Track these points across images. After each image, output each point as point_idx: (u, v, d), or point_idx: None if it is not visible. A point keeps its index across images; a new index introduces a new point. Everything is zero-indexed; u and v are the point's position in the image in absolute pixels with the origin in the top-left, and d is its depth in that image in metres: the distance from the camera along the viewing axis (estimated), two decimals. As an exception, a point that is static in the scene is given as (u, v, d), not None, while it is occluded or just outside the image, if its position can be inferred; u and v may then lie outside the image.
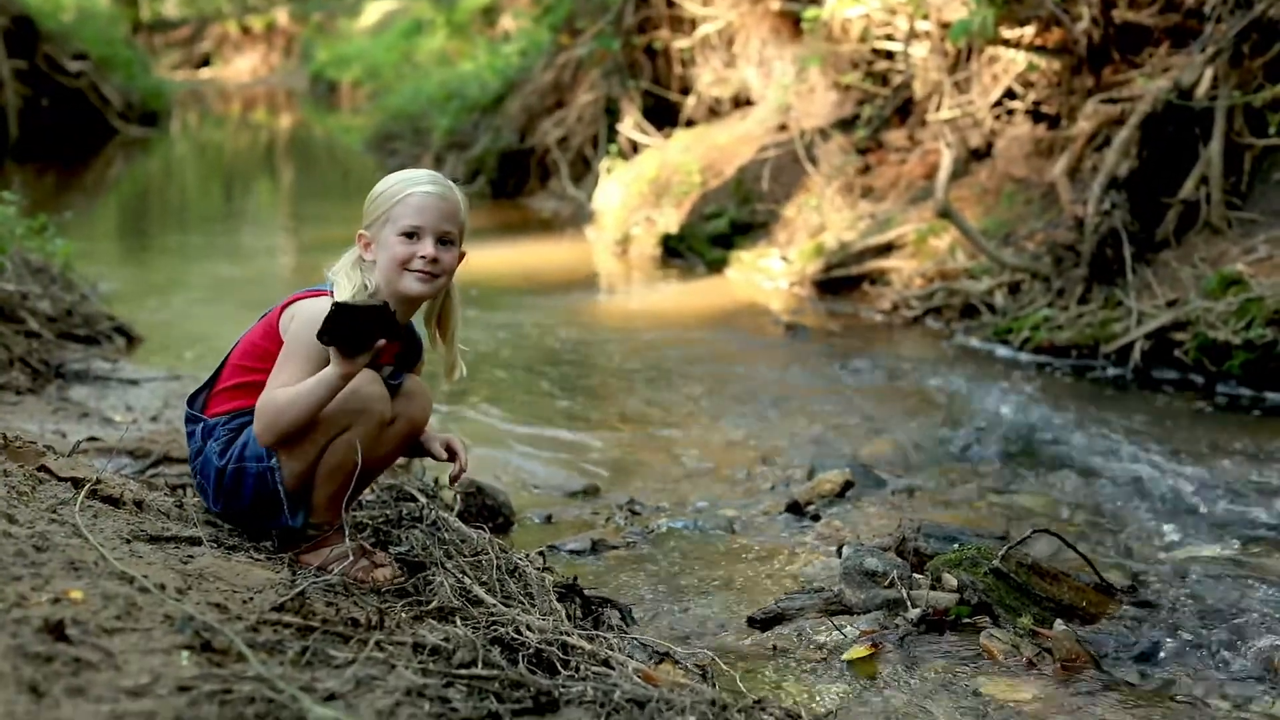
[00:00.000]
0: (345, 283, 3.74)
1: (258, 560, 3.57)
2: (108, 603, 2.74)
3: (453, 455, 3.97)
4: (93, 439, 5.47)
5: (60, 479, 3.72)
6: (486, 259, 12.19)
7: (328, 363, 3.60)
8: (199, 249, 13.86)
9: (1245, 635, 4.06)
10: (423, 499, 4.53)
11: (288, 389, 3.59)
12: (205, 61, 51.96)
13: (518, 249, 12.87)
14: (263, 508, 3.72)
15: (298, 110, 36.16)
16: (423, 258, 3.75)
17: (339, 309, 3.46)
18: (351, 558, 3.68)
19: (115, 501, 3.69)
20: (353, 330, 3.49)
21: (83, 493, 3.58)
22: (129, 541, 3.37)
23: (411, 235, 3.74)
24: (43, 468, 3.77)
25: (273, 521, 3.75)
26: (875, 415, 7.24)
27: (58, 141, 22.53)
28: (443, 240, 3.78)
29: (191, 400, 3.87)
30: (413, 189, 3.77)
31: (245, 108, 36.99)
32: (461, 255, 3.85)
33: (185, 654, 2.59)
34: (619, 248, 12.60)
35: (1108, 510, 5.63)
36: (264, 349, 3.75)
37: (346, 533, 3.75)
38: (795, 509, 5.47)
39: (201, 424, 3.80)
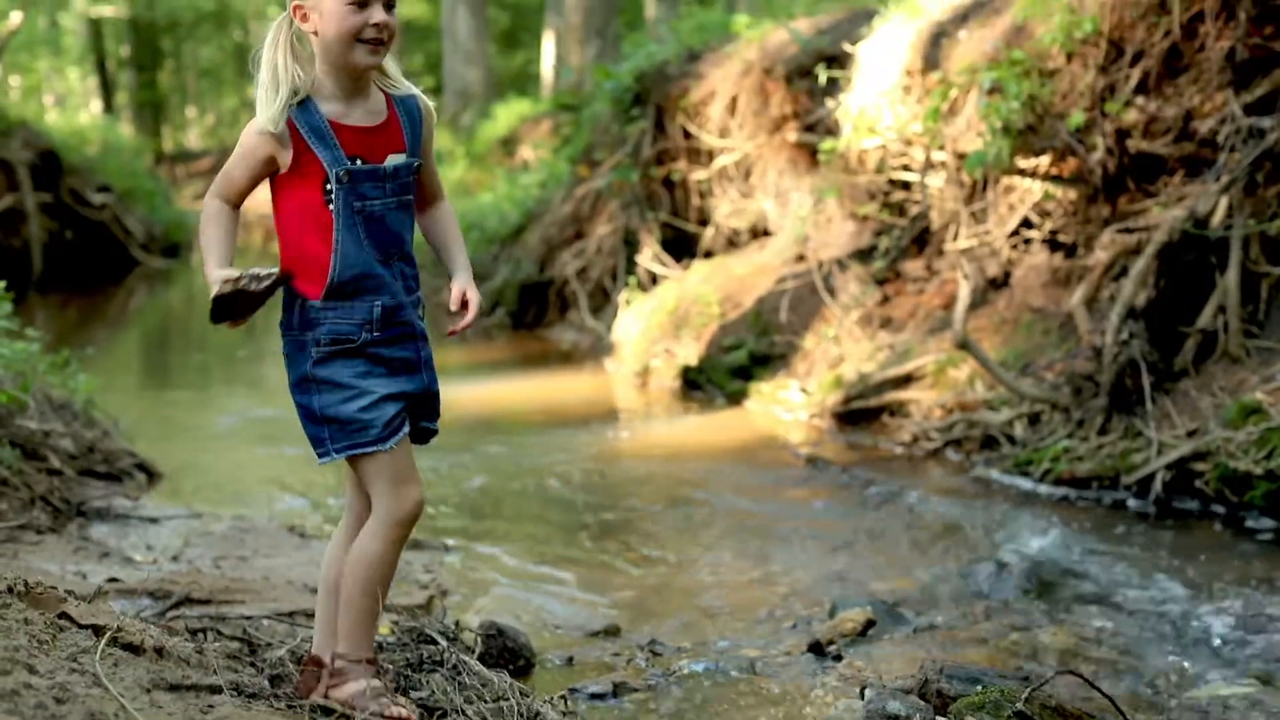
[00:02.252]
0: (271, 91, 3.69)
1: (278, 708, 3.56)
2: (127, 758, 2.73)
3: (464, 307, 3.93)
4: (113, 580, 5.49)
5: (81, 626, 3.72)
6: (507, 391, 12.27)
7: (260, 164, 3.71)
8: (220, 381, 13.94)
9: (1273, 777, 4.03)
10: (443, 642, 4.51)
11: (206, 224, 3.72)
12: (227, 192, 52.35)
13: (538, 381, 12.91)
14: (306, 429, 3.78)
15: (319, 240, 36.38)
16: (375, 25, 3.64)
17: (219, 302, 3.55)
18: (378, 697, 3.66)
19: (135, 649, 3.69)
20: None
21: (103, 641, 3.58)
22: (149, 691, 3.36)
23: (362, 4, 3.63)
24: (63, 614, 3.77)
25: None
26: (896, 550, 7.22)
27: (80, 273, 22.75)
28: (389, 5, 3.68)
29: None
30: None
31: (266, 237, 37.21)
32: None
33: (205, 811, 2.58)
34: (639, 380, 12.62)
35: (1132, 646, 5.59)
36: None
37: (372, 676, 3.72)
38: (817, 649, 5.45)
39: (300, 301, 3.76)
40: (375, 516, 3.72)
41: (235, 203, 3.74)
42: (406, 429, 3.76)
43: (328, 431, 3.70)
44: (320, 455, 3.75)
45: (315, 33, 3.67)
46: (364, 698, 3.64)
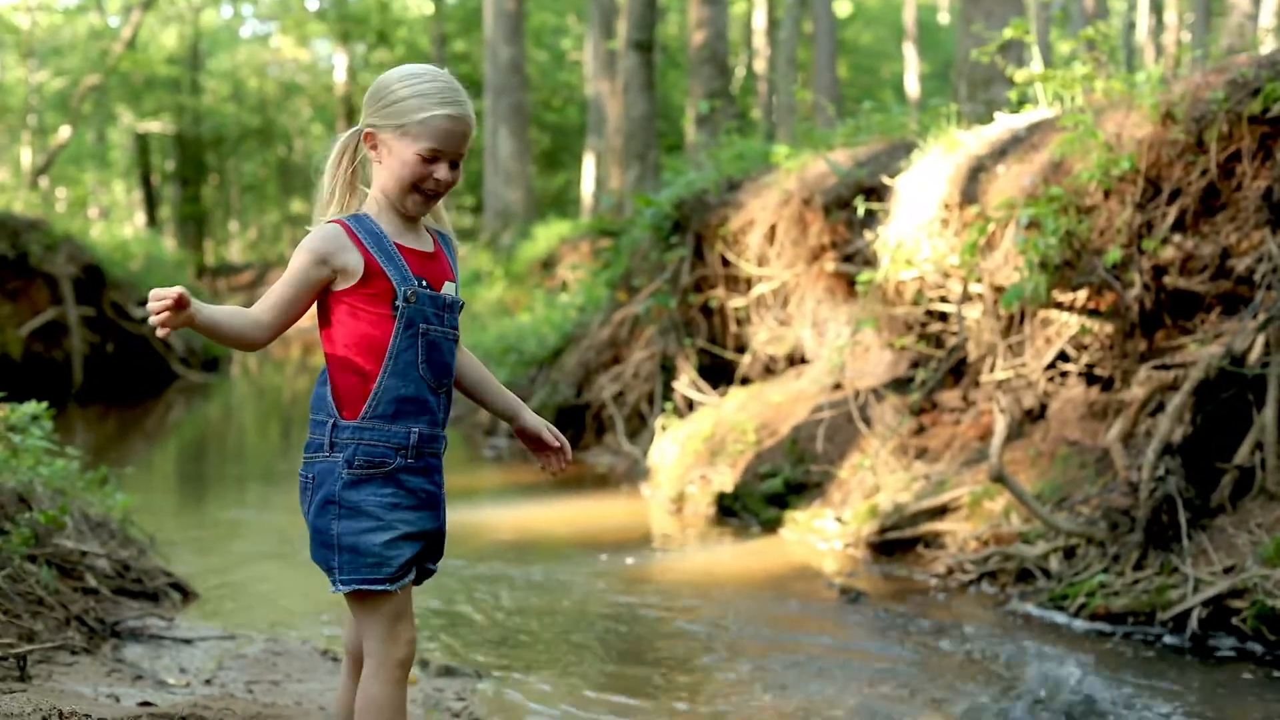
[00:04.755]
0: (326, 206, 3.84)
1: (308, 844, 3.56)
2: None
3: (553, 448, 4.07)
4: (146, 704, 5.49)
5: (115, 757, 3.73)
6: (542, 515, 12.26)
7: (305, 285, 3.70)
8: (256, 499, 13.97)
9: None
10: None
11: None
12: (267, 306, 52.85)
13: (573, 505, 12.91)
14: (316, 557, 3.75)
15: (356, 356, 36.48)
16: (437, 180, 3.73)
17: None
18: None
19: (168, 781, 3.70)
20: None
21: (137, 773, 3.60)
22: (181, 825, 3.37)
23: (431, 159, 3.71)
24: (97, 745, 3.78)
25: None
26: (930, 685, 7.18)
27: (120, 386, 22.98)
28: (454, 163, 3.76)
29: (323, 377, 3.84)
30: (438, 110, 3.70)
31: (305, 352, 37.49)
32: None
33: None
34: (674, 505, 12.62)
35: (1166, 789, 5.55)
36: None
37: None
38: (849, 787, 5.43)
39: (332, 420, 3.74)
40: (372, 659, 3.68)
41: (268, 320, 3.72)
42: (413, 573, 3.77)
43: (338, 560, 3.68)
44: (331, 584, 3.74)
45: (379, 162, 3.76)
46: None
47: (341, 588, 3.67)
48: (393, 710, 3.67)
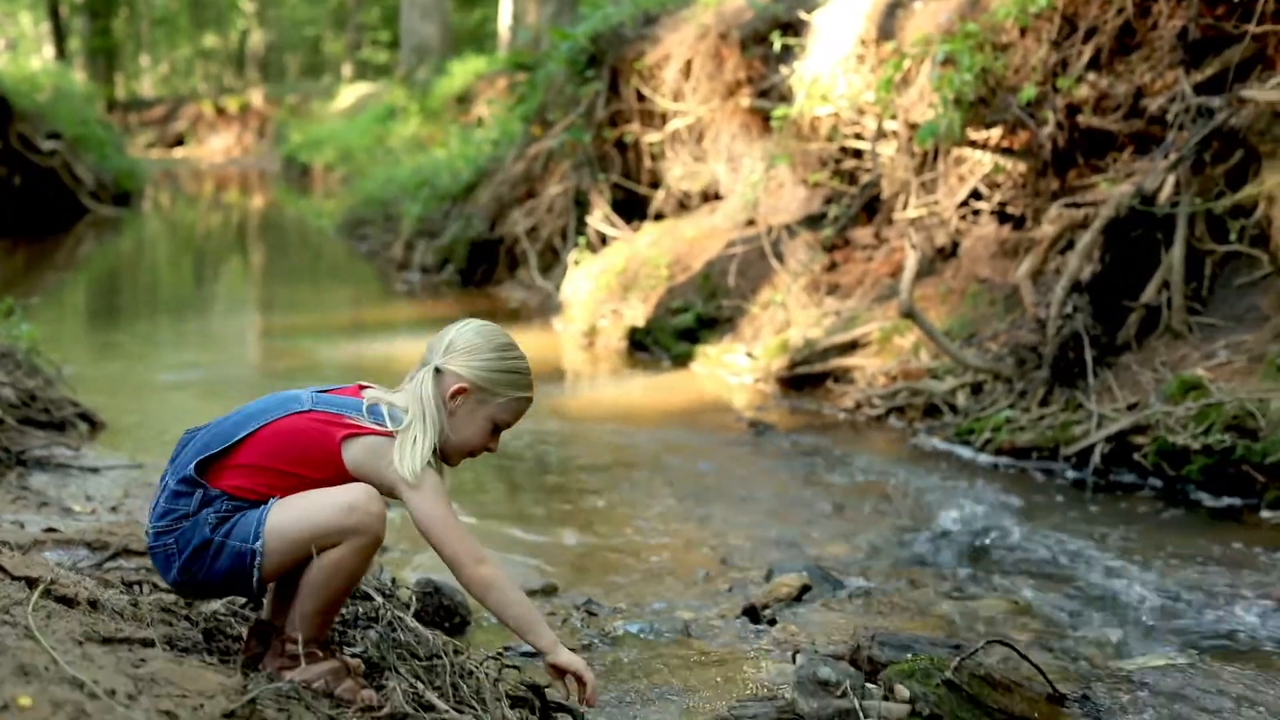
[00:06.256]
0: (421, 436, 3.72)
1: (210, 664, 3.55)
2: (56, 710, 2.72)
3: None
4: (51, 530, 5.45)
5: (15, 578, 3.70)
6: (453, 349, 12.19)
7: None
8: (167, 332, 13.86)
9: (1195, 749, 4.07)
10: (379, 598, 4.51)
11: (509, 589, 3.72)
12: (179, 141, 52.26)
13: (485, 339, 12.88)
14: (230, 585, 3.66)
15: (270, 192, 36.22)
16: (489, 449, 3.84)
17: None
18: (342, 680, 3.62)
19: (69, 601, 3.67)
20: None
21: (36, 593, 3.57)
22: (81, 644, 3.34)
23: (498, 430, 3.80)
24: (-3, 566, 3.76)
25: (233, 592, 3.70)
26: (835, 516, 7.26)
27: (29, 219, 22.61)
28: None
29: (200, 465, 3.64)
30: (525, 393, 3.83)
31: (218, 188, 37.09)
32: None
33: (132, 765, 2.58)
34: (586, 340, 12.63)
35: (1064, 617, 5.63)
36: (308, 456, 3.65)
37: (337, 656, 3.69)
38: (752, 613, 5.47)
39: (202, 490, 3.62)
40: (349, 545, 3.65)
41: None
42: None
43: (264, 534, 3.59)
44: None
45: (451, 413, 3.76)
46: (331, 679, 3.61)
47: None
48: (353, 577, 3.65)
